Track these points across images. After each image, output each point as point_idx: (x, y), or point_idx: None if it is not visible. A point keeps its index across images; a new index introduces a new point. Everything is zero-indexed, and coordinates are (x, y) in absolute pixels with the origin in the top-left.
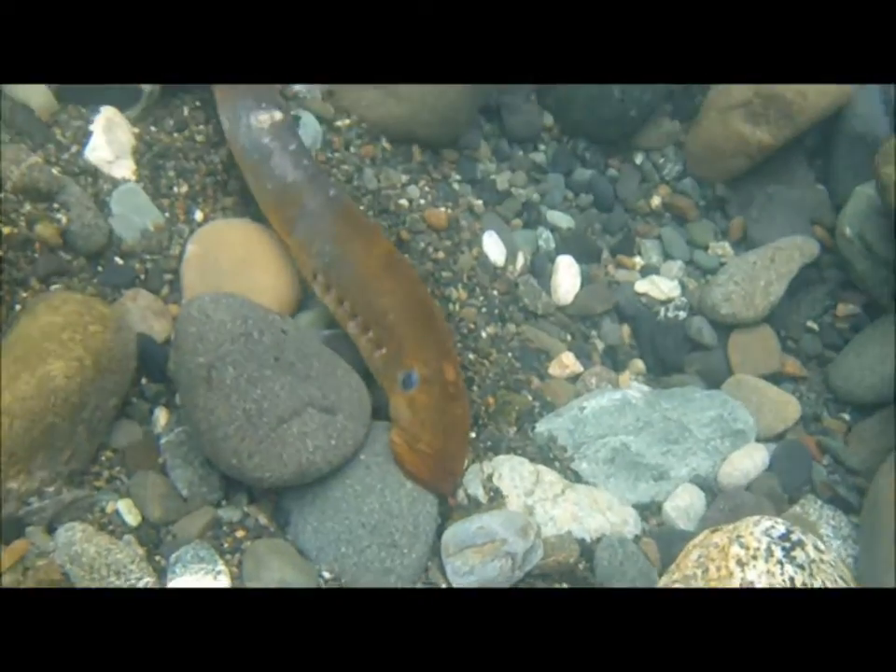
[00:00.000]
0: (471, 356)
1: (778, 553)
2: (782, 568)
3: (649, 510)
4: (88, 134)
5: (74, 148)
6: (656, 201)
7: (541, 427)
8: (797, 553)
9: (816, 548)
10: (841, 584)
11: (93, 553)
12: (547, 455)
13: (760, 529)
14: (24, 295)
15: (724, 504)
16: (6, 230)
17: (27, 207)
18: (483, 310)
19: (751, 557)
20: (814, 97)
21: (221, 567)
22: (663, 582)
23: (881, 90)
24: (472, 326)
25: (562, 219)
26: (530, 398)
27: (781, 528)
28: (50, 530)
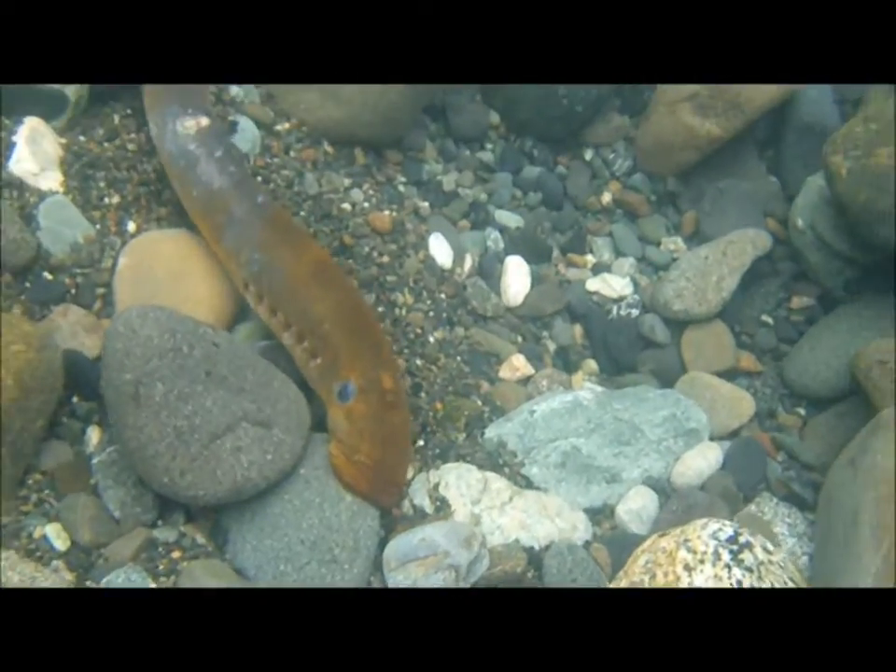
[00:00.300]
0: (419, 361)
1: (726, 557)
2: (730, 572)
3: (602, 513)
4: (11, 146)
5: None
6: (607, 197)
7: (491, 432)
8: (745, 555)
9: (764, 549)
10: (790, 585)
11: (17, 581)
12: (497, 461)
13: (707, 532)
14: None
15: (677, 505)
16: None
17: None
18: (431, 314)
19: (699, 561)
20: (762, 86)
21: None
22: None
23: None
24: (419, 331)
25: (510, 219)
26: (480, 402)
27: (729, 531)
28: None
